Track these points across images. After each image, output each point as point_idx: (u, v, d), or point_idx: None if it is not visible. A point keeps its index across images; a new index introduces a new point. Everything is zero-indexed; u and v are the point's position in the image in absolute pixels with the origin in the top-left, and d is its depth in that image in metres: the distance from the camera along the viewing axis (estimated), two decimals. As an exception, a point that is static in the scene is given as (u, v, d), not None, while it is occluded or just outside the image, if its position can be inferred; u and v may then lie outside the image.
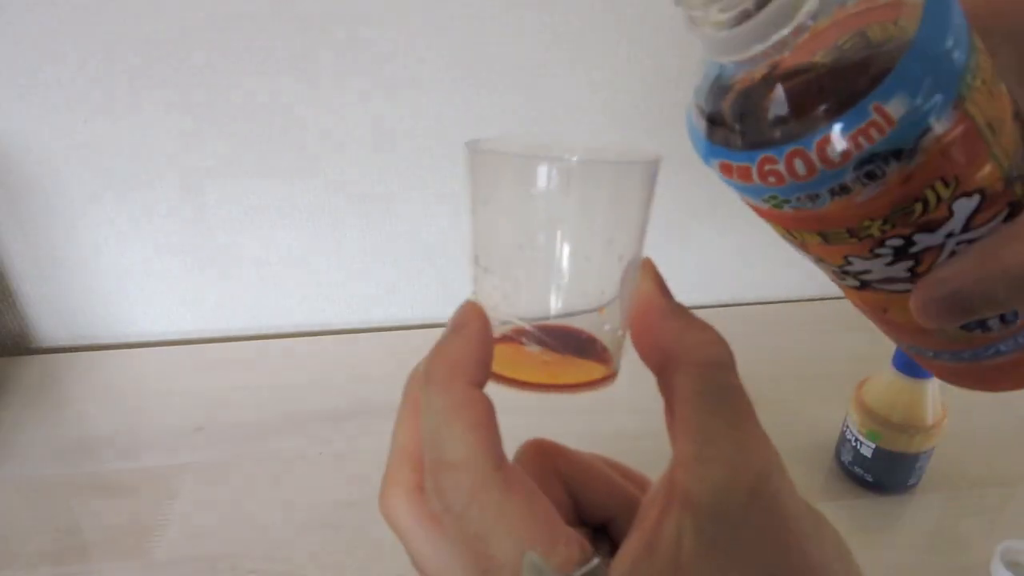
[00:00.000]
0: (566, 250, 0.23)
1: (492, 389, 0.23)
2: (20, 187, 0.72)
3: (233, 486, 0.62)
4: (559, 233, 0.23)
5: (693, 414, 0.22)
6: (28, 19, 0.64)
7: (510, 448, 0.25)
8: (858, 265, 0.25)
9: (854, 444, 0.59)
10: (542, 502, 0.22)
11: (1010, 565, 0.52)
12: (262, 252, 0.78)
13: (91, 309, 0.80)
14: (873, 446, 0.57)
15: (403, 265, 0.80)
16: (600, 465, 0.27)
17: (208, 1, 0.64)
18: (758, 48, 0.22)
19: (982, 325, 0.26)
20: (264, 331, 0.83)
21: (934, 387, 0.55)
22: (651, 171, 0.23)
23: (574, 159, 0.24)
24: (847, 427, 0.60)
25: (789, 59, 0.22)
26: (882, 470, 0.58)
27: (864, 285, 0.26)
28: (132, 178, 0.72)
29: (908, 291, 0.24)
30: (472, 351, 0.23)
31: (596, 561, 0.22)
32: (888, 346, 0.56)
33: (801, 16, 0.21)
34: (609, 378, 0.25)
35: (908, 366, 0.54)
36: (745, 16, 0.21)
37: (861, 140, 0.21)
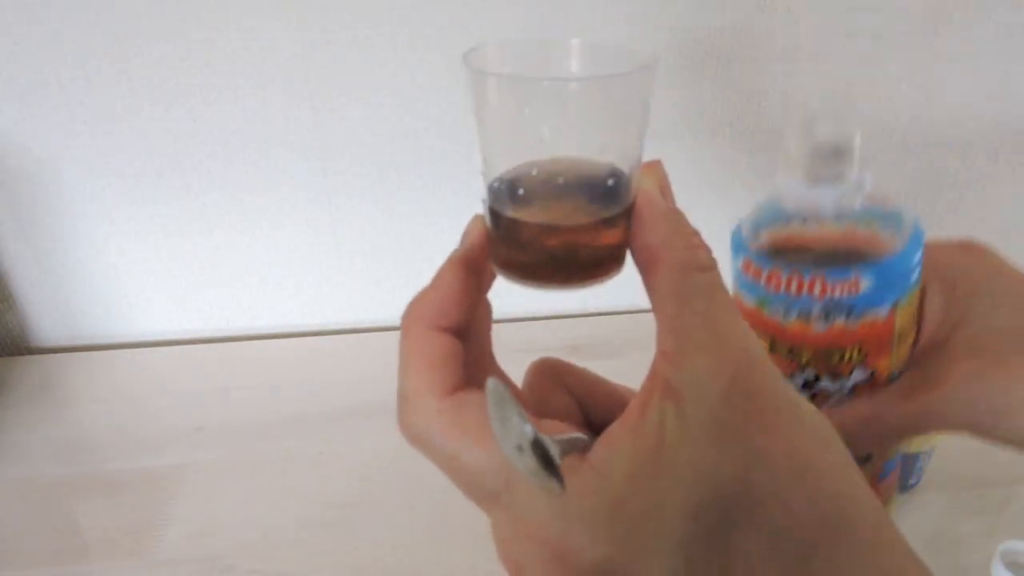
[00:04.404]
0: (562, 152, 0.25)
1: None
2: (20, 187, 0.72)
3: (233, 486, 0.62)
4: (557, 141, 0.24)
5: (673, 311, 0.23)
6: (28, 19, 0.64)
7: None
8: None
9: (854, 444, 0.59)
10: None
11: (1010, 565, 0.52)
12: (262, 252, 0.78)
13: (91, 309, 0.80)
14: (873, 446, 0.57)
15: (403, 265, 0.80)
16: (603, 378, 0.29)
17: (207, 2, 0.64)
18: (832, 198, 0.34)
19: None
20: (264, 331, 0.83)
21: (934, 387, 0.55)
22: (646, 77, 0.24)
23: (562, 74, 0.25)
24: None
25: (822, 229, 0.35)
26: (882, 470, 0.58)
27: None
28: (132, 178, 0.72)
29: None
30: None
31: (579, 435, 0.23)
32: (888, 346, 0.57)
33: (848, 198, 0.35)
34: (613, 271, 0.27)
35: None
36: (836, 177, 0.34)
37: (838, 288, 0.33)
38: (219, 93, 0.68)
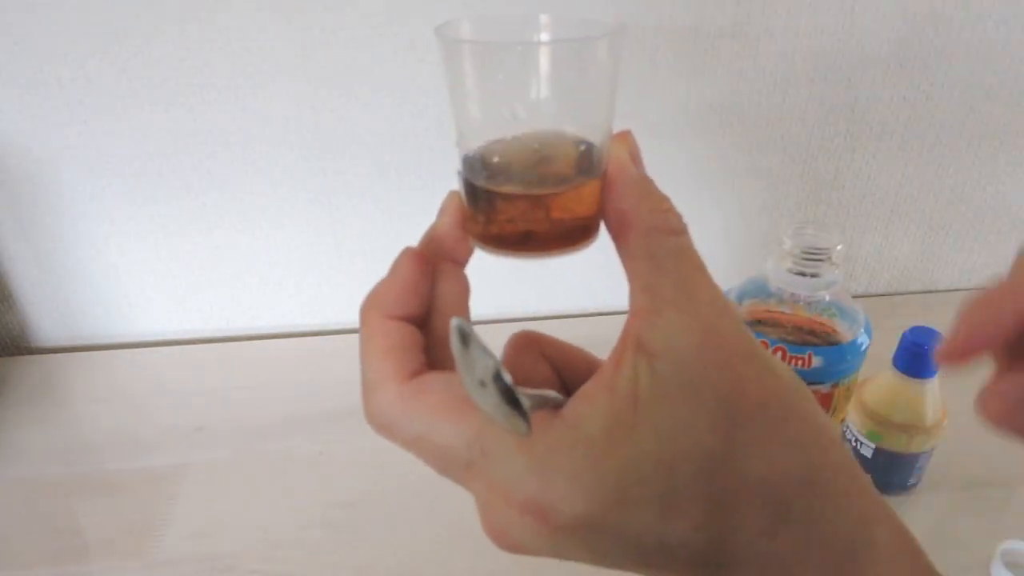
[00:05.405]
0: (535, 126, 0.25)
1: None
2: (20, 187, 0.72)
3: (233, 486, 0.62)
4: (527, 111, 0.24)
5: (644, 272, 0.24)
6: (28, 19, 0.64)
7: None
8: None
9: (854, 444, 0.59)
10: (463, 388, 0.23)
11: (1010, 565, 0.52)
12: (262, 252, 0.78)
13: (91, 309, 0.80)
14: (873, 446, 0.57)
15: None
16: (580, 348, 0.30)
17: (207, 2, 0.64)
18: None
19: None
20: (264, 331, 0.83)
21: (934, 387, 0.55)
22: (613, 42, 0.24)
23: (531, 40, 0.26)
24: (847, 427, 0.60)
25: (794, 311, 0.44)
26: (882, 470, 0.58)
27: None
28: (132, 178, 0.72)
29: None
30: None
31: (552, 392, 0.24)
32: (888, 346, 0.57)
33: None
34: (587, 240, 0.27)
35: (908, 366, 0.54)
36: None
37: (794, 360, 0.41)
38: (219, 93, 0.68)
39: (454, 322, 0.20)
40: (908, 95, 0.76)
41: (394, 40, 0.68)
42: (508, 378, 0.20)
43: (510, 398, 0.20)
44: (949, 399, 0.56)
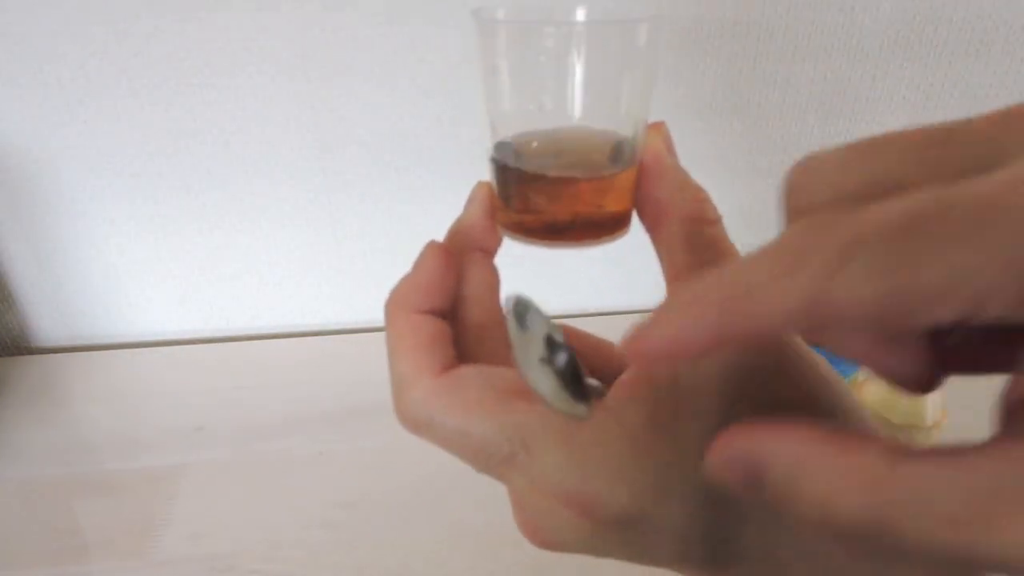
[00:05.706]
0: (572, 113, 0.24)
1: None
2: (20, 187, 0.72)
3: (233, 486, 0.62)
4: (564, 96, 0.24)
5: (681, 262, 0.24)
6: (28, 19, 0.64)
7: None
8: None
9: (854, 444, 0.59)
10: (499, 380, 0.23)
11: (1010, 565, 0.52)
12: (262, 252, 0.78)
13: (91, 309, 0.80)
14: (873, 446, 0.57)
15: (403, 265, 0.80)
16: (590, 334, 0.30)
17: (207, 2, 0.64)
18: None
19: None
20: (264, 331, 0.83)
21: (934, 387, 0.55)
22: (650, 30, 0.24)
23: (573, 21, 0.25)
24: (847, 427, 0.60)
25: None
26: (882, 470, 0.58)
27: None
28: (132, 178, 0.72)
29: None
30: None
31: (594, 382, 0.23)
32: (888, 346, 0.57)
33: None
34: (619, 230, 0.26)
35: (908, 366, 0.55)
36: None
37: None
38: (219, 93, 0.68)
39: (511, 297, 0.20)
40: (908, 95, 0.76)
41: (394, 40, 0.67)
42: (572, 352, 0.19)
43: (572, 372, 0.19)
44: (949, 399, 0.56)
